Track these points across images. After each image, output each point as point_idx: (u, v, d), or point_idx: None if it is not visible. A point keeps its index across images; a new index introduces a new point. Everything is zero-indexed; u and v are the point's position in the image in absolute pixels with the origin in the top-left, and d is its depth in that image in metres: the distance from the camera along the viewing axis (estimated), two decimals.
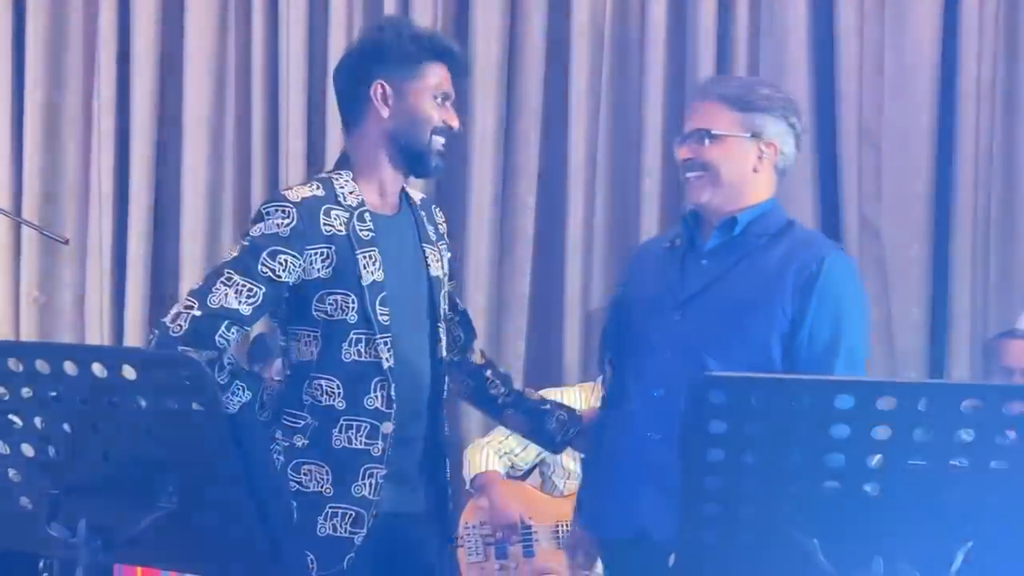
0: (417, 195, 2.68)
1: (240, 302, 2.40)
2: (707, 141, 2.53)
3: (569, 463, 4.01)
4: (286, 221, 2.42)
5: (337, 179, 2.51)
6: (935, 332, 4.35)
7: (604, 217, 4.65)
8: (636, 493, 2.47)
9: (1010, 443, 1.70)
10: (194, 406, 1.82)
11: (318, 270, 2.43)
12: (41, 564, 3.53)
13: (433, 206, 2.71)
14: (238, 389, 2.43)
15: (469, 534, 3.99)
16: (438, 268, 2.58)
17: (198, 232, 4.87)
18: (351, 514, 2.42)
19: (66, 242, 3.46)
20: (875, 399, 1.66)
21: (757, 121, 2.53)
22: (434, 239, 2.61)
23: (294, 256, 2.41)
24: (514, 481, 4.06)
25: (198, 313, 2.40)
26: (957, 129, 4.33)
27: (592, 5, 4.63)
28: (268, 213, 2.44)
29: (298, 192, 2.48)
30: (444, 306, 2.60)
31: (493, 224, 4.67)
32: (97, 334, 4.87)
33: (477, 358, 2.76)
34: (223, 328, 2.39)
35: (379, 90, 2.51)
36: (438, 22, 4.67)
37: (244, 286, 2.40)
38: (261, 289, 2.41)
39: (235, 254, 2.46)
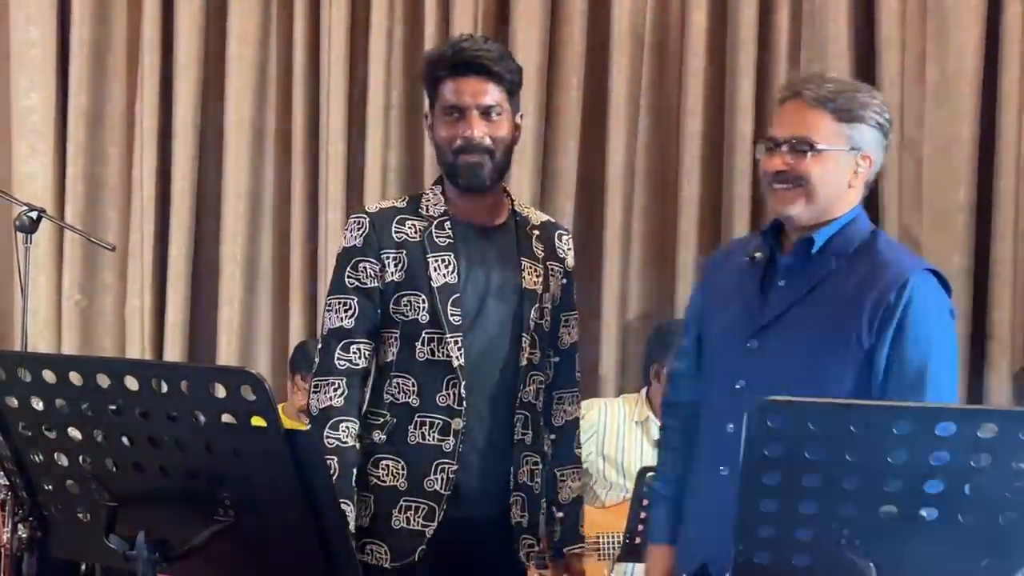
0: (541, 217, 2.75)
1: (342, 319, 2.58)
2: (809, 154, 2.32)
3: (611, 474, 4.01)
4: (360, 231, 2.59)
5: (427, 194, 2.67)
6: (974, 343, 4.33)
7: (643, 224, 4.65)
8: (702, 528, 2.39)
9: None
10: (253, 421, 1.84)
11: (392, 273, 2.56)
12: (83, 568, 3.58)
13: (560, 232, 2.76)
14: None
15: None
16: (535, 283, 2.62)
17: (239, 235, 4.90)
18: (424, 508, 2.53)
19: (112, 249, 3.49)
20: (934, 425, 1.67)
21: (856, 134, 2.34)
22: (540, 256, 2.65)
23: (372, 262, 2.57)
24: None
25: (320, 346, 2.63)
26: (999, 139, 4.30)
27: (632, 12, 4.63)
28: (347, 227, 2.65)
29: (377, 204, 2.70)
30: (539, 320, 2.63)
31: None
32: (138, 337, 4.91)
33: (555, 418, 2.75)
34: (338, 349, 2.56)
35: (426, 122, 2.70)
36: (478, 29, 4.68)
37: (340, 303, 2.58)
38: (354, 300, 2.58)
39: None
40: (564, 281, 2.72)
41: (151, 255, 4.92)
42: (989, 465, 1.67)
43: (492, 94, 2.58)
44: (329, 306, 2.61)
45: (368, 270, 2.58)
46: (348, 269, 2.59)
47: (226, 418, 1.85)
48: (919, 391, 2.24)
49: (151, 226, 4.91)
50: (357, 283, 2.58)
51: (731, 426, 2.31)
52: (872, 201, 4.41)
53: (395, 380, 2.58)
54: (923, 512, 1.72)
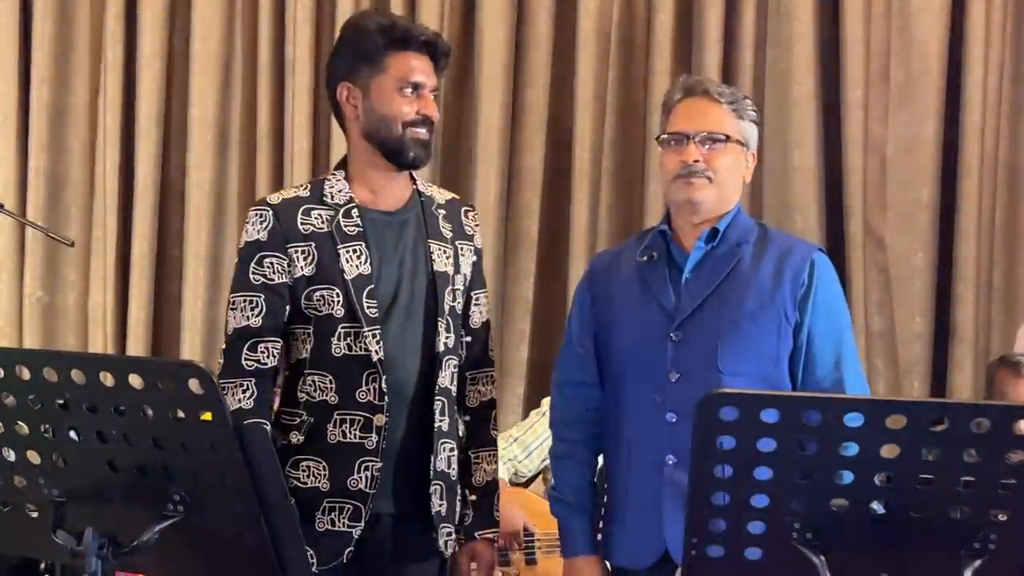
0: (445, 195, 2.67)
1: (248, 317, 2.46)
2: (721, 145, 2.47)
3: None
4: (264, 224, 2.48)
5: (330, 180, 2.56)
6: (938, 342, 4.35)
7: (609, 221, 4.64)
8: (657, 519, 2.41)
9: (1018, 462, 1.70)
10: (202, 416, 1.82)
11: (301, 267, 2.46)
12: (43, 566, 3.55)
13: (466, 209, 2.68)
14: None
15: None
16: (445, 264, 2.55)
17: (203, 232, 4.87)
18: (349, 507, 2.44)
19: (71, 244, 3.46)
20: (884, 417, 1.66)
21: (748, 130, 2.53)
22: (448, 237, 2.58)
23: (278, 256, 2.47)
24: (517, 488, 4.05)
25: (224, 346, 2.49)
26: (963, 138, 4.32)
27: (599, 10, 4.63)
28: (249, 220, 2.50)
29: (279, 195, 2.55)
30: (452, 302, 2.56)
31: (497, 227, 4.66)
32: (100, 334, 4.87)
33: (470, 399, 2.67)
34: (245, 349, 2.45)
35: (344, 92, 2.56)
36: (444, 26, 4.67)
37: (246, 300, 2.47)
38: (260, 296, 2.47)
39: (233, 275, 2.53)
40: (474, 259, 2.65)
41: (114, 251, 4.88)
42: (939, 458, 1.67)
43: (435, 76, 2.57)
44: (233, 304, 2.48)
45: (275, 265, 2.46)
46: (252, 265, 2.47)
47: (175, 413, 1.83)
48: (839, 366, 2.44)
49: (114, 222, 4.88)
50: (263, 279, 2.46)
51: (672, 416, 2.40)
52: (836, 200, 4.43)
53: (310, 378, 2.47)
54: (874, 505, 1.72)
